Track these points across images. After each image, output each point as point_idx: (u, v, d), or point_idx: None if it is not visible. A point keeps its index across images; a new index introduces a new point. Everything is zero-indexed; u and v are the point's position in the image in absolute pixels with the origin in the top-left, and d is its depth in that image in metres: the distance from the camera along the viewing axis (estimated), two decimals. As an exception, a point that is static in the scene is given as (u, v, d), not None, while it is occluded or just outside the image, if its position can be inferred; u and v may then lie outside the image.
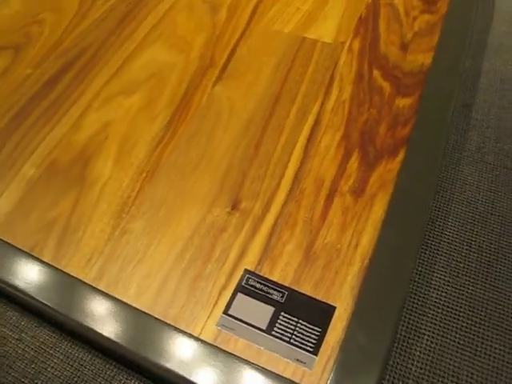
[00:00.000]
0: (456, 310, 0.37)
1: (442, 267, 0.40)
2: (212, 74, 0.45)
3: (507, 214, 0.44)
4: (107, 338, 0.30)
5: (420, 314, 0.37)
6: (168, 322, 0.30)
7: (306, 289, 0.31)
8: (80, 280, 0.33)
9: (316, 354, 0.29)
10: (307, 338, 0.29)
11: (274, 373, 0.28)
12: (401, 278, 0.32)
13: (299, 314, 0.30)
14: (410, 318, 0.36)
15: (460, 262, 0.41)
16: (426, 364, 0.35)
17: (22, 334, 0.37)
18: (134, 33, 0.50)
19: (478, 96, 0.55)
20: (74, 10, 0.55)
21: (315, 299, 0.31)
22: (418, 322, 0.36)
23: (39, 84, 0.46)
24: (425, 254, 0.40)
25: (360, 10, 0.51)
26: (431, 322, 0.37)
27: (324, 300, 0.31)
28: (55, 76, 0.47)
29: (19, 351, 0.36)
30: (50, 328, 0.37)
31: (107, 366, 0.34)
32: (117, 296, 0.32)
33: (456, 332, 0.37)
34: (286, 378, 0.28)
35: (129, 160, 0.39)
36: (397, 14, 0.50)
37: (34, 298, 0.33)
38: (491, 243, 0.42)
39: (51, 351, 0.35)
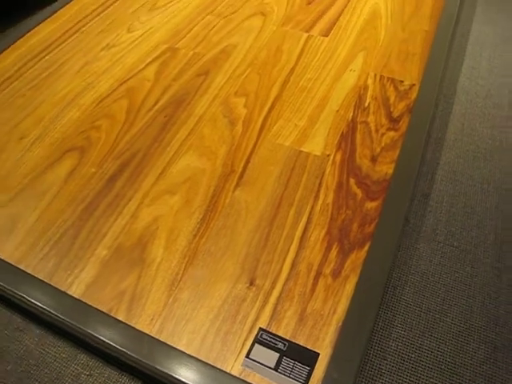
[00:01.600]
0: (409, 355, 0.57)
1: (400, 324, 0.61)
2: (232, 179, 0.66)
3: (451, 283, 0.66)
4: (166, 373, 0.50)
5: (381, 358, 0.57)
6: (209, 362, 0.50)
7: (300, 341, 0.52)
8: (146, 333, 0.53)
9: None
10: (300, 374, 0.49)
11: (279, 396, 0.48)
12: (363, 334, 0.52)
13: (295, 357, 0.50)
14: (373, 361, 0.56)
15: (413, 320, 0.61)
16: (383, 396, 0.55)
17: (91, 371, 0.57)
18: (172, 140, 0.73)
19: (435, 186, 0.78)
20: (123, 118, 0.77)
21: (306, 348, 0.51)
22: (379, 363, 0.56)
23: (102, 181, 0.68)
24: (386, 313, 0.61)
25: (342, 126, 0.74)
26: (390, 365, 0.57)
27: (312, 348, 0.51)
28: (114, 175, 0.69)
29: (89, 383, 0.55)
30: (114, 366, 0.56)
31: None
32: (173, 345, 0.52)
33: (409, 372, 0.57)
34: (287, 400, 0.48)
35: (175, 246, 0.60)
36: (369, 131, 0.73)
37: (114, 347, 0.52)
38: (437, 305, 0.63)
39: (121, 384, 0.55)
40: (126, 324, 0.53)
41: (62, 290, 0.56)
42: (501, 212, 0.71)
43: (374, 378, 0.54)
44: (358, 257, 0.58)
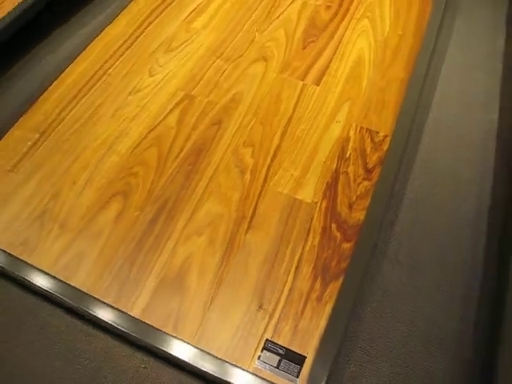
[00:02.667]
0: (371, 357, 0.87)
1: (365, 334, 0.90)
2: (244, 224, 0.93)
3: (409, 296, 0.95)
4: (199, 369, 0.79)
5: (347, 360, 0.87)
6: (233, 362, 0.79)
7: (294, 348, 0.81)
8: (189, 343, 0.81)
9: (298, 377, 0.78)
10: (294, 370, 0.79)
11: (279, 385, 0.78)
12: (336, 343, 0.81)
13: (290, 359, 0.80)
14: (343, 362, 0.86)
15: (377, 330, 0.91)
16: None
17: (147, 365, 0.86)
18: (196, 188, 0.99)
19: (400, 215, 1.06)
20: (155, 166, 1.02)
21: (297, 352, 0.80)
22: (347, 364, 0.86)
23: (145, 224, 0.94)
24: (354, 326, 0.90)
25: (328, 176, 1.00)
26: (354, 364, 0.87)
27: (301, 353, 0.80)
28: (153, 218, 0.95)
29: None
30: (165, 361, 0.85)
31: None
32: (208, 350, 0.81)
33: (368, 367, 0.87)
34: (285, 388, 0.78)
35: (204, 278, 0.87)
36: (348, 181, 1.00)
37: (165, 352, 0.81)
38: (399, 316, 0.92)
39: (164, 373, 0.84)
40: (174, 336, 0.82)
41: (125, 311, 0.84)
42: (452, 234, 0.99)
43: (344, 372, 0.84)
44: (335, 286, 0.86)
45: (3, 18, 1.30)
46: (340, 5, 1.37)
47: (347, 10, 1.36)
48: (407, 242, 1.00)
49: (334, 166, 1.02)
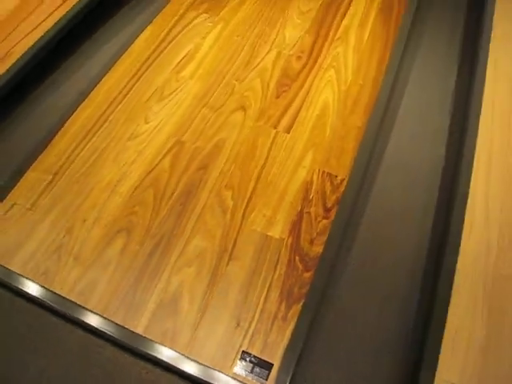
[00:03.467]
0: (326, 365, 1.16)
1: (320, 346, 1.18)
2: (225, 256, 1.20)
3: (358, 312, 1.23)
4: (188, 374, 1.06)
5: (305, 366, 1.15)
6: (217, 369, 1.07)
7: (264, 357, 1.08)
8: (184, 354, 1.08)
9: (267, 380, 1.06)
10: (264, 375, 1.07)
11: (252, 386, 1.06)
12: (296, 352, 1.09)
13: (261, 366, 1.07)
14: (301, 368, 1.14)
15: (333, 343, 1.19)
16: None
17: (148, 370, 1.13)
18: (187, 226, 1.25)
19: (354, 246, 1.34)
20: (152, 206, 1.28)
21: (266, 361, 1.08)
22: (306, 369, 1.14)
23: (144, 257, 1.21)
24: (311, 341, 1.18)
25: (293, 216, 1.27)
26: (310, 371, 1.15)
27: (269, 361, 1.08)
28: (151, 252, 1.21)
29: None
30: (163, 368, 1.12)
31: (189, 384, 1.11)
32: (198, 360, 1.08)
33: (323, 371, 1.15)
34: (256, 388, 1.05)
35: (194, 303, 1.14)
36: (310, 220, 1.27)
37: (163, 361, 1.08)
38: (350, 330, 1.21)
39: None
40: (170, 348, 1.09)
41: (131, 329, 1.11)
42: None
43: (303, 376, 1.12)
44: (297, 308, 1.14)
45: (11, 68, 1.53)
46: (309, 55, 1.64)
47: (316, 60, 1.62)
48: (359, 270, 1.28)
49: (299, 206, 1.29)
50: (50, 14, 1.74)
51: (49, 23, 1.71)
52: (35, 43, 1.64)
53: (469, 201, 1.38)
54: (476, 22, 2.03)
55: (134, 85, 1.52)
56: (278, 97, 1.50)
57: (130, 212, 1.27)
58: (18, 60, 1.58)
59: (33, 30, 1.69)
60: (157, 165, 1.35)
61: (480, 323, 1.15)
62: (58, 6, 1.76)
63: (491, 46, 1.86)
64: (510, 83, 1.72)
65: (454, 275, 1.23)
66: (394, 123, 1.64)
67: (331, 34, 1.72)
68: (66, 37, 1.67)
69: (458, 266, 1.25)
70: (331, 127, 1.44)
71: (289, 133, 1.42)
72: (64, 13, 1.74)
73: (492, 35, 1.91)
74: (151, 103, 1.48)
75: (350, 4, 1.84)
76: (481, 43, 1.85)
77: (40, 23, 1.71)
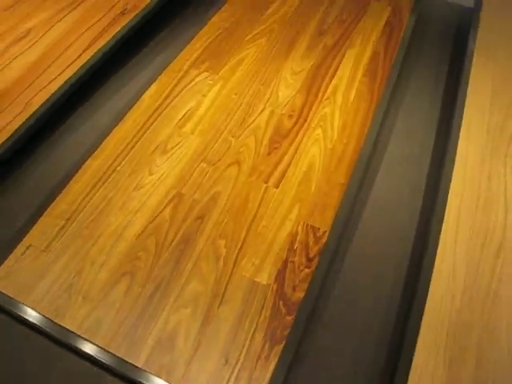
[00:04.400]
0: (300, 396, 1.35)
1: (300, 379, 1.39)
2: (217, 299, 1.41)
3: (333, 359, 1.44)
4: None
5: (287, 398, 1.35)
6: (206, 401, 1.27)
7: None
8: (176, 386, 1.28)
9: None
10: (247, 407, 1.27)
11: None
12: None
13: (245, 399, 1.28)
14: (283, 399, 1.34)
15: (310, 375, 1.39)
16: (286, 415, 1.33)
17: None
18: (184, 270, 1.46)
19: (333, 292, 1.55)
20: (153, 252, 1.50)
21: (250, 395, 1.28)
22: (285, 400, 1.34)
23: (146, 298, 1.41)
24: (292, 374, 1.38)
25: (279, 264, 1.49)
26: (291, 400, 1.35)
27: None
28: (151, 294, 1.42)
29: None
30: None
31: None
32: (189, 392, 1.28)
33: (299, 404, 1.35)
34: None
35: (188, 341, 1.35)
36: (294, 268, 1.48)
37: (161, 392, 1.28)
38: (323, 371, 1.41)
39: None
40: (167, 381, 1.29)
41: (132, 362, 1.31)
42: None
43: (281, 407, 1.32)
44: (279, 348, 1.35)
45: (30, 117, 1.77)
46: (300, 114, 1.88)
47: (305, 119, 1.87)
48: (337, 313, 1.50)
49: (285, 256, 1.51)
50: (63, 71, 1.99)
51: (63, 78, 1.96)
52: (51, 95, 1.88)
53: (438, 253, 1.61)
54: (456, 80, 2.30)
55: (140, 138, 1.76)
56: (269, 153, 1.74)
57: (134, 257, 1.48)
58: (36, 110, 1.83)
59: (49, 83, 1.94)
60: (159, 214, 1.57)
61: (441, 370, 1.37)
62: (71, 63, 2.02)
63: (467, 103, 2.13)
64: (481, 144, 1.98)
65: (420, 323, 1.44)
66: (374, 179, 1.88)
67: (320, 94, 1.98)
68: (77, 89, 1.92)
69: (425, 313, 1.47)
70: (316, 183, 1.68)
71: (278, 188, 1.65)
72: (77, 69, 1.99)
73: (468, 92, 2.18)
74: (155, 156, 1.71)
75: (338, 66, 2.10)
76: (457, 103, 2.11)
77: (55, 77, 1.96)
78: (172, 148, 1.74)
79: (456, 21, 2.84)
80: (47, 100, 1.86)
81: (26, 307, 1.39)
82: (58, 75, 1.97)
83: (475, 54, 2.35)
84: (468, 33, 2.43)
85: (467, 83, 2.17)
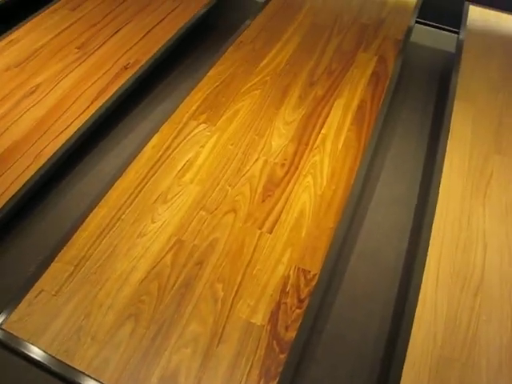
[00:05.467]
0: (293, 430, 1.51)
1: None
2: (216, 339, 1.58)
3: None
4: None
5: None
6: None
7: (244, 425, 1.44)
8: (178, 421, 1.44)
9: None
10: None
11: None
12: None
13: (242, 433, 1.43)
14: (277, 433, 1.49)
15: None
16: None
17: None
18: (185, 313, 1.63)
19: (325, 329, 1.72)
20: (156, 295, 1.67)
21: (246, 428, 1.44)
22: (279, 434, 1.49)
23: (149, 340, 1.58)
24: None
25: (273, 305, 1.66)
26: (285, 434, 1.50)
27: (249, 429, 1.44)
28: (155, 335, 1.59)
29: None
30: None
31: None
32: (190, 427, 1.43)
33: None
34: None
35: (189, 379, 1.51)
36: (286, 309, 1.66)
37: (164, 427, 1.43)
38: None
39: None
40: (169, 416, 1.45)
41: (138, 399, 1.47)
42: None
43: None
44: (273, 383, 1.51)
45: (41, 168, 1.98)
46: (292, 162, 2.09)
47: (297, 167, 2.08)
48: (327, 349, 1.67)
49: (278, 297, 1.68)
50: (70, 125, 2.21)
51: (70, 132, 2.18)
52: (59, 148, 2.10)
53: (421, 293, 1.79)
54: (440, 122, 2.52)
55: (142, 188, 1.95)
56: (263, 201, 1.94)
57: (138, 300, 1.66)
58: (45, 162, 2.04)
59: (57, 137, 2.16)
60: (161, 260, 1.75)
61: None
62: (77, 117, 2.25)
63: (449, 147, 2.34)
64: (462, 185, 2.19)
65: (404, 359, 1.61)
66: (363, 222, 2.08)
67: (311, 142, 2.19)
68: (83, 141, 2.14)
69: (409, 349, 1.64)
70: (307, 228, 1.87)
71: (271, 233, 1.84)
72: (82, 122, 2.22)
73: (449, 136, 2.40)
74: (157, 205, 1.91)
75: (328, 115, 2.32)
76: (439, 146, 2.32)
77: (63, 131, 2.18)
78: (172, 197, 1.93)
79: (440, 65, 3.10)
80: (55, 152, 2.08)
81: (37, 349, 1.55)
82: (65, 129, 2.19)
83: (456, 99, 2.59)
84: (450, 76, 2.67)
85: (449, 129, 2.40)
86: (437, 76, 3.02)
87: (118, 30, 2.79)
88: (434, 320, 1.72)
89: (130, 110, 2.52)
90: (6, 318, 1.62)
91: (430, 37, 3.47)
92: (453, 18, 3.38)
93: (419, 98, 2.85)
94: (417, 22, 3.30)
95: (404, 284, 1.91)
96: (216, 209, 1.90)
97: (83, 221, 1.86)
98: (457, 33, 3.11)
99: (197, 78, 2.49)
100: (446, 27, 3.64)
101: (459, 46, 2.96)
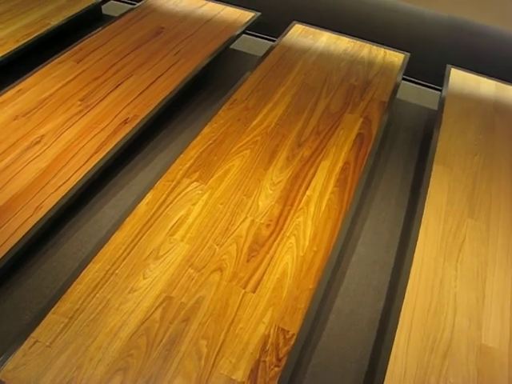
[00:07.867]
0: None
1: None
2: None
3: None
4: None
5: None
6: None
7: None
8: None
9: None
10: None
11: None
12: None
13: None
14: None
15: None
16: None
17: None
18: (170, 368, 1.78)
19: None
20: (144, 349, 1.82)
21: None
22: None
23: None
24: None
25: (252, 363, 1.81)
26: None
27: None
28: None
29: None
30: None
31: None
32: None
33: None
34: None
35: None
36: (265, 367, 1.81)
37: None
38: None
39: None
40: None
41: None
42: None
43: None
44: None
45: (41, 219, 2.14)
46: (276, 223, 2.27)
47: (281, 228, 2.25)
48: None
49: (258, 356, 1.84)
50: (70, 177, 2.39)
51: (70, 184, 2.35)
52: (59, 200, 2.27)
53: (392, 354, 1.95)
54: (418, 185, 2.72)
55: (136, 244, 2.12)
56: (248, 261, 2.11)
57: (127, 354, 1.80)
58: (45, 214, 2.20)
59: (57, 189, 2.33)
60: (150, 316, 1.90)
61: None
62: (78, 169, 2.42)
63: (425, 211, 2.54)
64: (436, 249, 2.37)
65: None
66: (342, 281, 2.25)
67: (296, 203, 2.37)
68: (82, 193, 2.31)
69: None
70: (288, 288, 2.03)
71: (254, 292, 2.01)
72: (81, 176, 2.39)
73: (426, 202, 2.59)
74: (149, 261, 2.07)
75: (313, 177, 2.52)
76: (416, 211, 2.51)
77: (63, 183, 2.36)
78: (164, 254, 2.10)
79: (423, 122, 3.33)
80: (55, 205, 2.24)
81: (31, 399, 1.69)
82: (65, 182, 2.36)
83: (435, 163, 2.79)
84: (431, 135, 2.88)
85: (426, 193, 2.60)
86: (420, 135, 3.24)
87: (119, 84, 2.99)
88: (403, 381, 1.88)
89: (128, 162, 2.70)
90: (2, 366, 1.75)
91: (414, 93, 3.72)
92: (437, 77, 3.64)
93: (401, 157, 3.06)
94: (403, 78, 3.54)
95: (377, 345, 2.07)
96: (203, 267, 2.07)
97: (78, 274, 2.01)
98: (440, 90, 3.33)
99: (192, 135, 2.68)
100: (430, 84, 3.91)
101: (441, 107, 3.19)
